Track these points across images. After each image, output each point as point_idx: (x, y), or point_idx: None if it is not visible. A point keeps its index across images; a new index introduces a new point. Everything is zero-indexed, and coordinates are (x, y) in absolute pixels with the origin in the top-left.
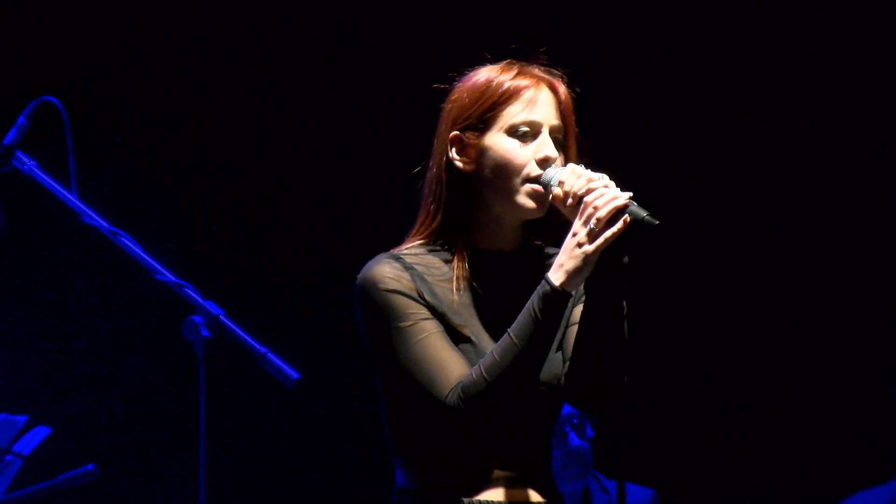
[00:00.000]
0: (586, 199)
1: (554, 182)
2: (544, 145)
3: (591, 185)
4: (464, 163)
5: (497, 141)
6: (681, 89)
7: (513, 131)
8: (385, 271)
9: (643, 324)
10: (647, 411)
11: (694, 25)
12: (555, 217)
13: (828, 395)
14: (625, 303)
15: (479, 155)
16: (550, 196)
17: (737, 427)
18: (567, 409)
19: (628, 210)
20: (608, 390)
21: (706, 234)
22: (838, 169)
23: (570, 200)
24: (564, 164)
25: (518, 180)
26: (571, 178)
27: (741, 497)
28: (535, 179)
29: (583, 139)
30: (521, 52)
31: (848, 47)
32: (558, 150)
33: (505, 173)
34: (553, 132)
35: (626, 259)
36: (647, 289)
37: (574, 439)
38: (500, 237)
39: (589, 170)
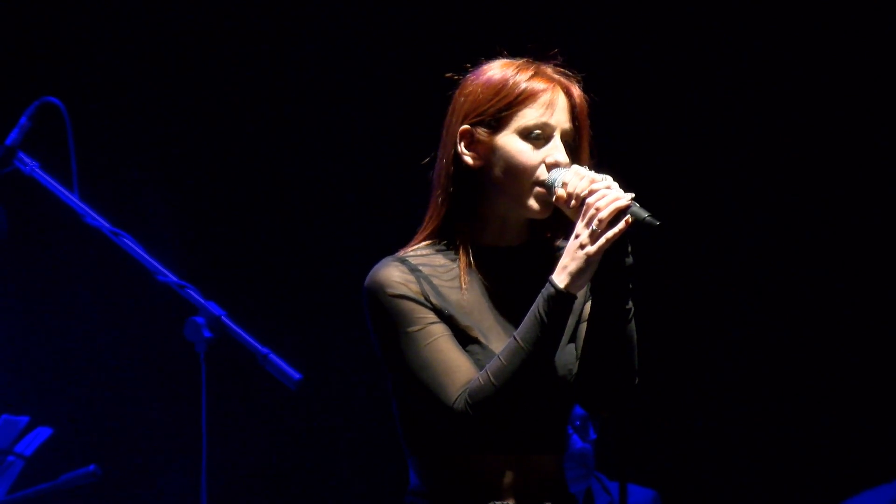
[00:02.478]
0: (588, 200)
1: (557, 183)
2: (555, 150)
3: (594, 187)
4: (472, 158)
5: (509, 142)
6: (683, 89)
7: (525, 134)
8: (392, 275)
9: (644, 325)
10: (648, 412)
11: (694, 25)
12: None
13: (829, 394)
14: (631, 304)
15: (489, 153)
16: (554, 197)
17: (738, 427)
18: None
19: (630, 211)
20: (619, 392)
21: (707, 235)
22: (841, 169)
23: (573, 202)
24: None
25: (527, 183)
26: (574, 179)
27: (743, 497)
28: (543, 183)
29: (593, 140)
30: (536, 52)
31: (848, 47)
32: (569, 154)
33: (514, 174)
34: (565, 136)
35: (629, 260)
36: (648, 290)
37: (577, 441)
38: (505, 233)
39: (593, 171)
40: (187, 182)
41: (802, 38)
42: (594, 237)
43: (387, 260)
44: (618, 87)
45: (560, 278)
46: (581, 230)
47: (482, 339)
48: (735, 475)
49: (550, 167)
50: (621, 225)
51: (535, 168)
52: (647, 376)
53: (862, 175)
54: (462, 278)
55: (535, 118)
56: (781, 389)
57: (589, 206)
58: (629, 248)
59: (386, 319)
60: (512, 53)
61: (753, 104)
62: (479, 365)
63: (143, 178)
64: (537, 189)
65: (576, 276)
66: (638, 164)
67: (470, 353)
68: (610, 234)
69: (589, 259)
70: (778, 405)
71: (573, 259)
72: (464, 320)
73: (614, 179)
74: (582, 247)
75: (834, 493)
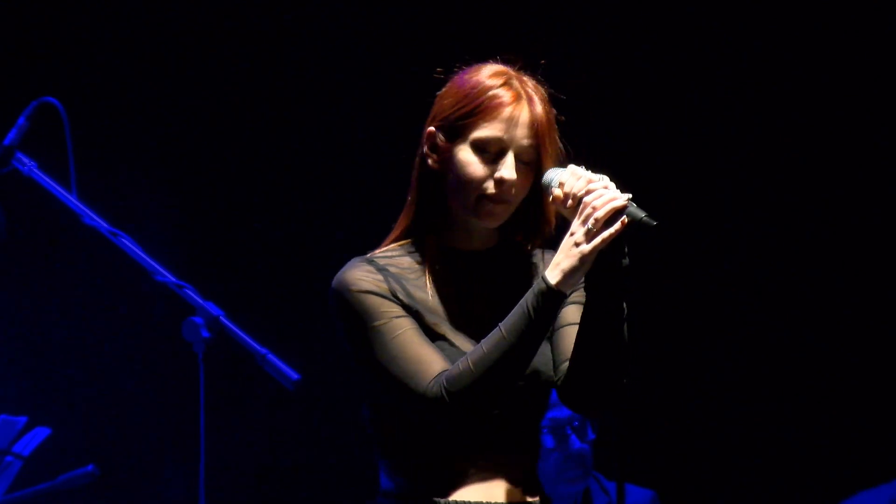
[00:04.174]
0: (585, 199)
1: (554, 183)
2: (504, 166)
3: (591, 186)
4: (433, 161)
5: (461, 151)
6: (683, 89)
7: (479, 146)
8: (357, 274)
9: (643, 325)
10: (647, 412)
11: (694, 25)
12: (531, 215)
13: (829, 394)
14: (625, 305)
15: (446, 160)
16: (551, 197)
17: (737, 427)
18: (569, 411)
19: (626, 211)
20: (608, 393)
21: (706, 235)
22: (841, 169)
23: (569, 201)
24: (530, 184)
25: (473, 195)
26: (571, 179)
27: (743, 497)
28: (490, 197)
29: (563, 152)
30: (520, 62)
31: (848, 47)
32: (529, 170)
33: (462, 185)
34: (521, 153)
35: (626, 261)
36: (646, 290)
37: (575, 442)
38: (472, 237)
39: (589, 171)
40: (186, 182)
41: (802, 38)
42: (589, 236)
43: (354, 261)
44: (618, 87)
45: (552, 275)
46: (576, 228)
47: (449, 338)
48: (734, 475)
49: (497, 183)
50: (617, 225)
51: (482, 181)
52: (645, 376)
53: (862, 175)
54: (428, 280)
55: (491, 132)
56: (781, 389)
57: (585, 206)
58: (626, 249)
59: (352, 317)
60: (509, 53)
61: (753, 104)
62: (448, 360)
63: (142, 179)
64: (482, 201)
65: (568, 274)
66: (637, 164)
67: (438, 349)
68: (606, 233)
69: (583, 258)
70: (778, 405)
71: (567, 257)
72: (431, 318)
73: (612, 179)
74: (577, 245)
75: (834, 493)
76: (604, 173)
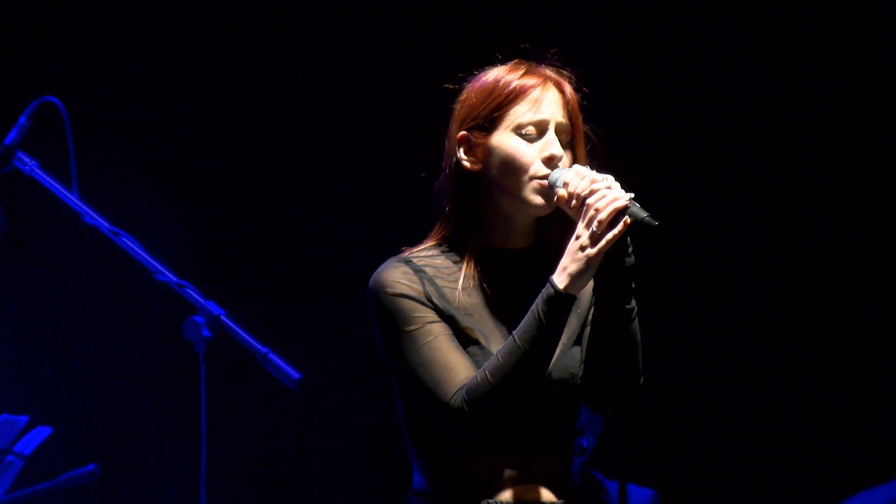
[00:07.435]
0: (588, 200)
1: (559, 183)
2: (550, 144)
3: (594, 187)
4: (471, 162)
5: (503, 140)
6: (683, 89)
7: (519, 130)
8: (394, 275)
9: (643, 325)
10: (648, 412)
11: (694, 26)
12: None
13: (828, 394)
14: (634, 303)
15: (487, 154)
16: (555, 197)
17: (738, 427)
18: None
19: (629, 211)
20: (623, 392)
21: (707, 235)
22: (841, 169)
23: (573, 202)
24: (572, 163)
25: (525, 178)
26: (575, 179)
27: (743, 497)
28: (542, 177)
29: (595, 139)
30: (531, 53)
31: (848, 47)
32: (565, 150)
33: (512, 171)
34: (559, 131)
35: (630, 259)
36: (646, 290)
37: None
38: (511, 236)
39: (594, 170)
40: (187, 181)
41: (802, 39)
42: (594, 239)
43: (391, 260)
44: (618, 86)
45: (560, 279)
46: (581, 231)
47: (482, 341)
48: (735, 475)
49: (546, 161)
50: (620, 226)
51: (532, 163)
52: (646, 376)
53: (862, 175)
54: (464, 281)
55: (528, 114)
56: (781, 389)
57: (589, 207)
58: (630, 248)
59: (386, 318)
60: (508, 59)
61: (754, 104)
62: (479, 366)
63: (143, 178)
64: (536, 183)
65: (576, 278)
66: (638, 164)
67: (470, 355)
68: (610, 235)
69: (589, 261)
70: (778, 405)
71: (574, 260)
72: (465, 321)
73: (616, 179)
74: (582, 248)
75: (834, 493)
76: (608, 172)
